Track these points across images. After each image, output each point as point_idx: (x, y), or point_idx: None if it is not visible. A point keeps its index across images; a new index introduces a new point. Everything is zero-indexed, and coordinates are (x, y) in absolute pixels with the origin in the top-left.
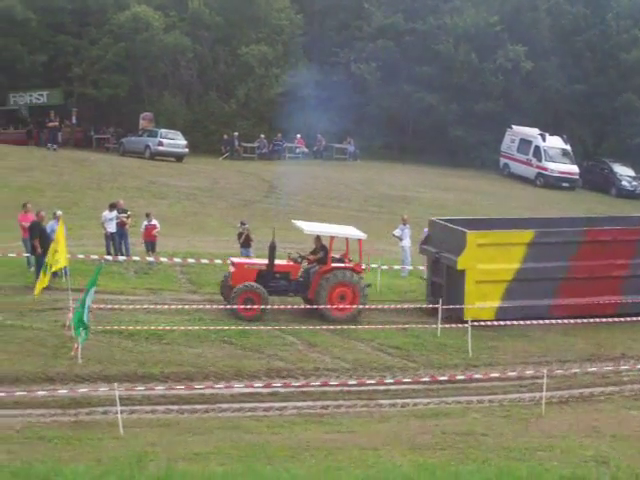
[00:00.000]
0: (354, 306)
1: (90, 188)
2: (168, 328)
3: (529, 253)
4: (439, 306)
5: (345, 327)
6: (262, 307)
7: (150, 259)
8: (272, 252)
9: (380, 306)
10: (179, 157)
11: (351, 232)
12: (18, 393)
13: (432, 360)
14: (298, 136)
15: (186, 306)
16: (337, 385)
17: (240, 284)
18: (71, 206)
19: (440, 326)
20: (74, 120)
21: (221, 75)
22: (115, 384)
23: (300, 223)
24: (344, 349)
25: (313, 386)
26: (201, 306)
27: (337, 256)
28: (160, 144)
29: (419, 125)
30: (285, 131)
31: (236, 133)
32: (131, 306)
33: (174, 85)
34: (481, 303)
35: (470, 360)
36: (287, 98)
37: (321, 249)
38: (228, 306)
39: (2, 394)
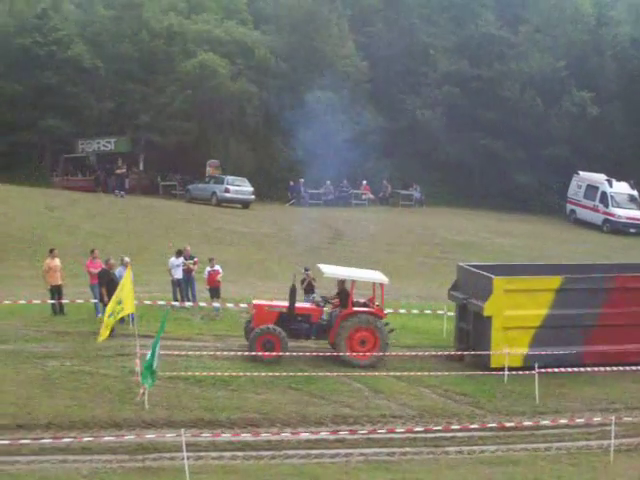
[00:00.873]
0: (374, 352)
1: (157, 235)
2: (234, 374)
3: (558, 299)
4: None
5: (412, 373)
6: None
7: (216, 305)
8: (293, 295)
9: (444, 353)
10: (245, 204)
11: (374, 276)
12: (86, 439)
13: (499, 407)
14: (364, 182)
15: (252, 352)
16: (403, 432)
17: (258, 327)
18: (138, 252)
19: (507, 373)
20: (141, 167)
21: (287, 122)
22: (182, 430)
23: (322, 266)
24: (410, 395)
25: (379, 433)
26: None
27: (362, 300)
28: (226, 191)
29: (485, 171)
30: (351, 177)
31: (302, 179)
32: (197, 352)
33: (240, 132)
34: (508, 350)
35: (537, 407)
36: (353, 144)
37: (343, 292)
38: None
39: (70, 439)
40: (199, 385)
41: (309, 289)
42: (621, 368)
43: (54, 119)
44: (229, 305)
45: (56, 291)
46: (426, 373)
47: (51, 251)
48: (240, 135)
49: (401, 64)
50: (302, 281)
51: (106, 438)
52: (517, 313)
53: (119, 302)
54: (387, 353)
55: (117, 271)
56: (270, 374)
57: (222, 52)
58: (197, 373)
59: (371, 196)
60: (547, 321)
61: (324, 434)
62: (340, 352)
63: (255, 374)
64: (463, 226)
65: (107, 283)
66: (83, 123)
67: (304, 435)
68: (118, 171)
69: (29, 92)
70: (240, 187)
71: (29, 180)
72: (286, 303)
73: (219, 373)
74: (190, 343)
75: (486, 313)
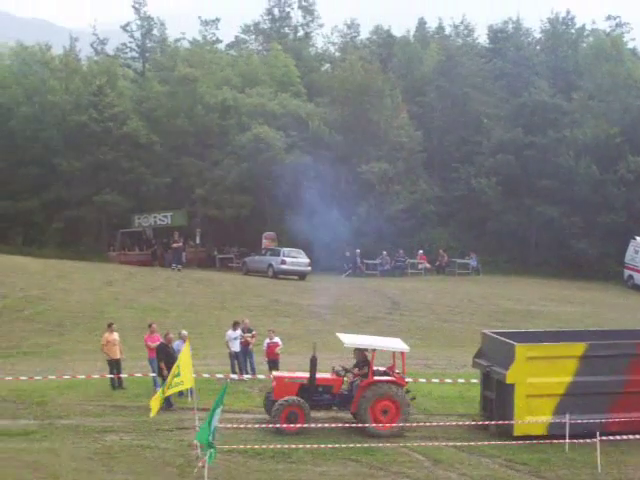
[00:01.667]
0: (396, 422)
1: (214, 307)
2: (293, 446)
3: (582, 366)
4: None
5: (472, 443)
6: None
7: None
8: (313, 366)
9: (466, 422)
10: (302, 275)
11: (394, 345)
12: None
13: (560, 476)
14: (420, 252)
15: (312, 424)
16: None
17: (282, 398)
18: (196, 326)
19: (568, 441)
20: (198, 240)
21: (342, 193)
22: None
23: (341, 336)
24: (470, 466)
25: None
26: (327, 424)
27: (382, 369)
28: (283, 262)
29: (541, 238)
30: (407, 247)
31: (358, 250)
32: (257, 425)
33: (296, 203)
34: (532, 418)
35: (599, 476)
36: (408, 214)
37: (363, 362)
38: (270, 424)
39: None
40: (258, 458)
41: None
42: None
43: (110, 194)
44: None
45: (115, 365)
46: (486, 442)
47: (109, 325)
48: (295, 207)
49: (455, 133)
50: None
51: None
52: (540, 381)
53: (176, 375)
54: (409, 423)
55: (175, 344)
56: (330, 446)
57: (276, 124)
58: (256, 446)
59: (427, 265)
60: (571, 389)
61: None
62: (363, 422)
63: (315, 446)
64: (520, 294)
65: (165, 357)
66: (139, 198)
67: None
68: (175, 245)
69: (86, 168)
70: (296, 259)
71: (87, 255)
72: (307, 374)
73: (278, 445)
74: (249, 416)
75: (508, 381)
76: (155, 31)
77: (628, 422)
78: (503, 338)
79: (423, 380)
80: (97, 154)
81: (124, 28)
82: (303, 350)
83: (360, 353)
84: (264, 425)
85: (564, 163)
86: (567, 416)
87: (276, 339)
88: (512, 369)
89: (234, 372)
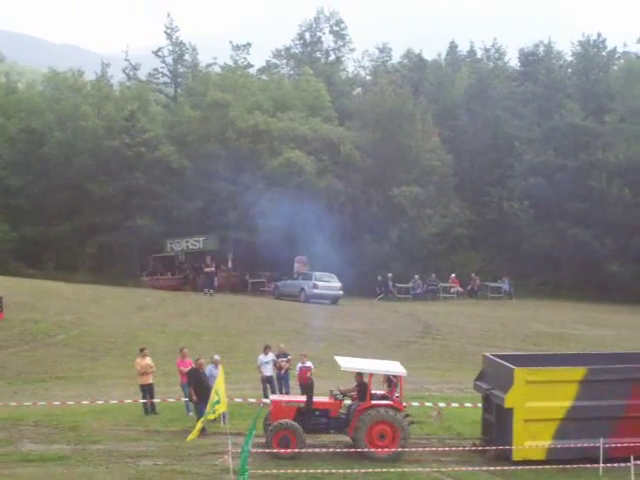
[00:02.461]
0: (394, 447)
1: (246, 332)
2: (327, 471)
3: (582, 391)
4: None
5: (506, 468)
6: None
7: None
8: (310, 389)
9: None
10: (334, 299)
11: (392, 368)
12: None
13: None
14: (452, 276)
15: (344, 449)
16: None
17: (276, 421)
18: (228, 350)
19: (602, 465)
20: (230, 265)
21: (374, 217)
22: None
23: (339, 359)
24: None
25: None
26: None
27: (381, 393)
28: (315, 287)
29: (573, 261)
30: (439, 271)
31: (390, 274)
32: (289, 449)
33: (327, 227)
34: (531, 442)
35: None
36: (440, 238)
37: (361, 385)
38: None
39: None
40: None
41: (390, 383)
42: None
43: (142, 219)
44: None
45: (147, 390)
46: (519, 467)
47: (141, 350)
48: (327, 231)
49: (486, 156)
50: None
51: None
52: (539, 405)
53: (217, 402)
54: (407, 447)
55: (207, 369)
56: (363, 470)
57: (308, 149)
58: (289, 470)
59: (460, 289)
60: (571, 413)
61: None
62: (359, 446)
63: (347, 471)
64: (553, 317)
65: (195, 382)
66: (171, 222)
67: None
68: (207, 269)
69: (118, 193)
70: (328, 283)
71: (119, 280)
72: (304, 398)
73: (311, 470)
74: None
75: (507, 405)
76: (187, 56)
77: (630, 447)
78: (502, 361)
79: (456, 404)
80: (129, 179)
81: (156, 53)
82: (335, 374)
83: (360, 377)
84: (296, 450)
85: (596, 186)
86: (601, 440)
87: (308, 363)
88: (511, 393)
89: (266, 396)
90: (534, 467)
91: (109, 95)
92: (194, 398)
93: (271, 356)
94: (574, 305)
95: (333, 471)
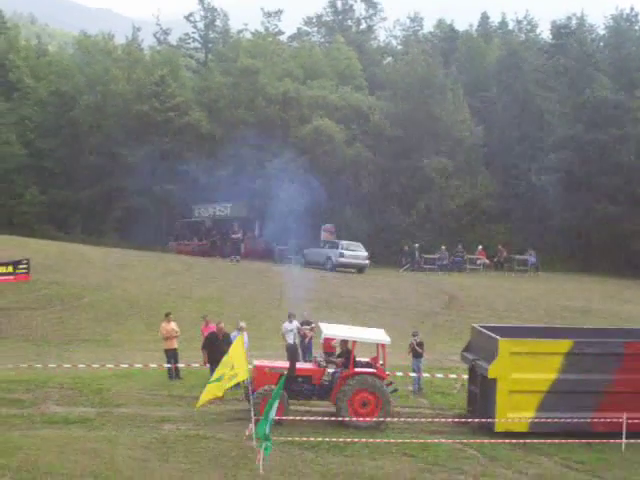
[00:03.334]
0: (376, 415)
1: (272, 299)
2: (349, 440)
3: (567, 364)
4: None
5: (529, 440)
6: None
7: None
8: (293, 355)
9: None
10: (360, 269)
11: (375, 336)
12: None
13: (618, 476)
14: (479, 248)
15: (367, 417)
16: None
17: (261, 388)
18: (253, 317)
19: (625, 441)
20: (257, 232)
21: (402, 187)
22: None
23: (322, 325)
24: (527, 463)
25: None
26: (381, 418)
27: (365, 360)
28: (342, 256)
29: (601, 236)
30: (466, 242)
31: (417, 244)
32: (312, 417)
33: (356, 197)
34: (514, 414)
35: None
36: (468, 210)
37: (345, 353)
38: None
39: None
40: (314, 450)
41: (416, 353)
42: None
43: (170, 184)
44: None
45: (172, 355)
46: (542, 440)
47: (167, 315)
48: (355, 200)
49: (516, 129)
50: (410, 345)
51: None
52: (524, 376)
53: (231, 367)
54: (389, 416)
55: (232, 336)
56: (385, 440)
57: (337, 117)
58: (312, 438)
59: (486, 261)
60: (555, 386)
61: None
62: (341, 414)
63: (370, 440)
64: (579, 292)
65: (210, 346)
66: (199, 188)
67: None
68: (234, 236)
69: (147, 158)
70: (355, 252)
71: (146, 245)
72: (287, 364)
73: (334, 439)
74: (305, 408)
75: (490, 375)
76: (218, 22)
77: (615, 423)
78: (488, 332)
79: None
80: (158, 144)
81: (187, 18)
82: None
83: (344, 344)
84: (319, 418)
85: (626, 160)
86: (625, 415)
87: None
88: (495, 364)
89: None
90: (557, 440)
91: (139, 59)
92: (205, 361)
93: (295, 324)
94: (601, 280)
95: (355, 440)
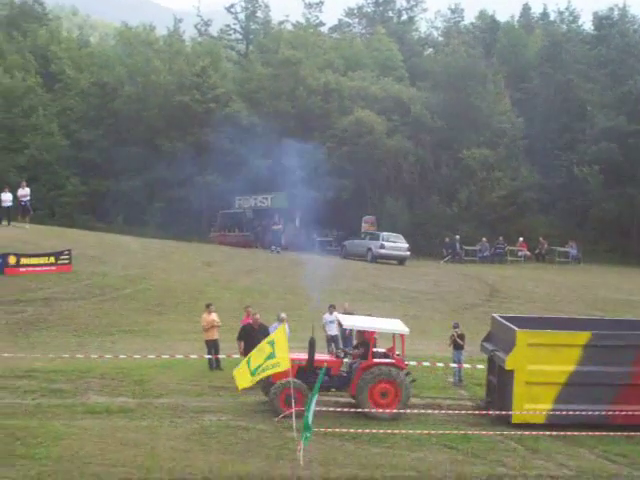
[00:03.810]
0: (395, 405)
1: (313, 290)
2: (389, 431)
3: (585, 356)
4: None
5: (569, 433)
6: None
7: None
8: (312, 347)
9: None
10: (401, 260)
11: (393, 327)
12: None
13: None
14: (520, 239)
15: (407, 410)
16: None
17: (280, 380)
18: (294, 308)
19: None
20: (297, 223)
21: (443, 178)
22: None
23: (340, 316)
24: (567, 455)
25: None
26: (422, 410)
27: (382, 351)
28: (382, 247)
29: None
30: (507, 234)
31: (457, 236)
32: (353, 409)
33: (396, 188)
34: (531, 406)
35: None
36: (509, 201)
37: (362, 344)
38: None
39: None
40: (354, 442)
41: (458, 345)
42: None
43: (211, 175)
44: None
45: (212, 346)
46: (583, 433)
47: (208, 306)
48: (396, 191)
49: (557, 120)
50: (451, 337)
51: None
52: (541, 368)
53: (269, 357)
54: (408, 407)
55: (272, 327)
56: (425, 432)
57: (378, 108)
58: (352, 430)
59: (527, 253)
60: (573, 378)
61: None
62: (362, 405)
63: (410, 431)
64: (621, 284)
65: (245, 337)
66: (240, 179)
67: None
68: (275, 227)
69: (188, 149)
70: (396, 243)
71: (187, 235)
72: (305, 355)
73: (374, 430)
74: (346, 399)
75: (508, 367)
76: (259, 13)
77: (633, 416)
78: (507, 322)
79: None
80: (199, 135)
81: (228, 10)
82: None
83: (362, 335)
84: (359, 409)
85: None
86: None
87: None
88: (512, 355)
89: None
90: (601, 433)
91: (180, 50)
92: (240, 350)
93: (336, 315)
94: None
95: (396, 432)
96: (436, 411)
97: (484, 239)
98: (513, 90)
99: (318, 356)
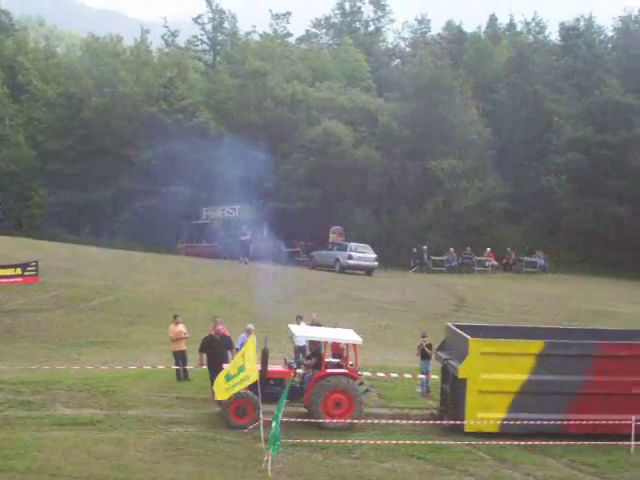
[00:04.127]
0: (349, 415)
1: (280, 301)
2: (357, 442)
3: (539, 364)
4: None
5: (537, 442)
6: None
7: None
8: (265, 358)
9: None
10: (369, 270)
11: (346, 336)
12: None
13: (625, 478)
14: (488, 249)
15: (375, 420)
16: None
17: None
18: (262, 319)
19: (634, 443)
20: (266, 233)
21: (410, 188)
22: None
23: (293, 327)
24: (535, 465)
25: None
26: (390, 420)
27: (335, 361)
28: (350, 257)
29: (612, 238)
30: (477, 244)
31: (425, 246)
32: (321, 419)
33: (364, 198)
34: (484, 414)
35: None
36: (477, 211)
37: (315, 354)
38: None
39: None
40: (322, 452)
41: (425, 355)
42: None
43: (179, 186)
44: None
45: (180, 357)
46: (550, 442)
47: (175, 317)
48: (364, 202)
49: (525, 130)
50: (419, 346)
51: None
52: (494, 377)
53: (241, 370)
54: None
55: (240, 338)
56: (394, 442)
57: (346, 119)
58: (320, 440)
59: (495, 263)
60: (526, 387)
61: None
62: (315, 415)
63: (378, 442)
64: (590, 294)
65: (207, 349)
66: (208, 190)
67: None
68: (243, 238)
69: (155, 159)
70: (363, 254)
71: (155, 246)
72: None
73: (342, 440)
74: (299, 409)
75: (460, 375)
76: (226, 24)
77: (587, 425)
78: (460, 331)
79: None
80: (167, 145)
81: (195, 20)
82: (371, 346)
83: (314, 345)
84: (327, 420)
85: (635, 162)
86: (633, 418)
87: None
88: (465, 363)
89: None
90: (568, 442)
91: (148, 61)
92: (201, 362)
93: (303, 326)
94: (613, 282)
95: (364, 442)
96: (404, 421)
97: (452, 249)
98: (481, 101)
99: (271, 367)
